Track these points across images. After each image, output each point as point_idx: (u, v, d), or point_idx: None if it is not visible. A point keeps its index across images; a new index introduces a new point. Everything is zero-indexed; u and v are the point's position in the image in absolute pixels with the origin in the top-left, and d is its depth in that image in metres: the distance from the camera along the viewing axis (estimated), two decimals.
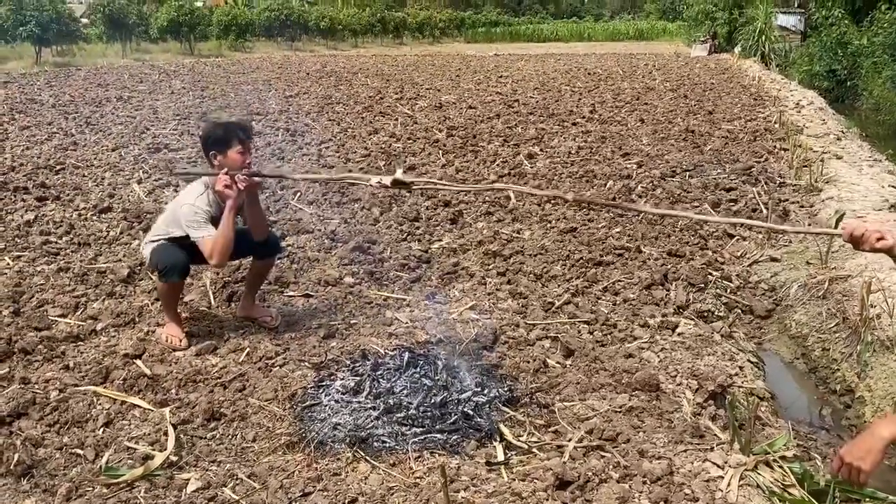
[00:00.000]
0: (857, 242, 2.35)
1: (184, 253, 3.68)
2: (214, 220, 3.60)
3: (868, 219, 2.31)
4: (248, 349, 3.68)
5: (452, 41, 51.21)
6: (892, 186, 6.69)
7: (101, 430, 3.04)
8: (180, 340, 3.78)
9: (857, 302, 4.00)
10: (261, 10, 35.94)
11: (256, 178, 3.65)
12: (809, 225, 5.87)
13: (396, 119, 11.40)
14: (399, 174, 3.53)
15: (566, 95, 14.32)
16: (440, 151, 8.83)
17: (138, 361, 3.59)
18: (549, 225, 5.90)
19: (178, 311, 3.94)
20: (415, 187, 3.86)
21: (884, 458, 2.12)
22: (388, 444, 2.86)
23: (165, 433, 2.96)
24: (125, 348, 3.73)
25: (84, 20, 33.42)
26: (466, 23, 56.73)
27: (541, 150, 8.85)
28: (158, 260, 3.67)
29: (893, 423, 2.10)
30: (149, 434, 2.99)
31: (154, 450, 2.85)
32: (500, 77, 18.73)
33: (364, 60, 26.95)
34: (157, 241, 3.76)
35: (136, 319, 4.15)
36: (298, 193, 6.77)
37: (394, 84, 16.96)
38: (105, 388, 3.37)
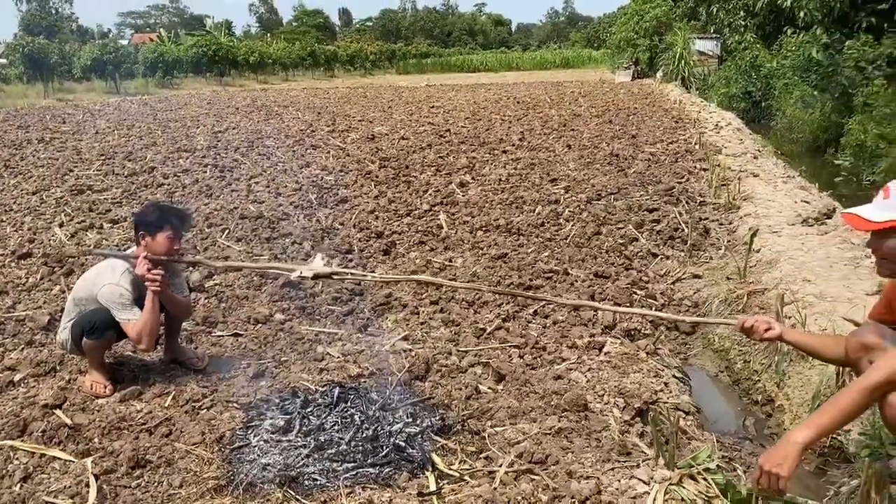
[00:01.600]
0: (748, 333, 2.74)
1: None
2: (136, 302, 3.54)
3: (757, 317, 2.68)
4: (174, 392, 3.59)
5: (384, 73, 51.67)
6: (805, 201, 7.01)
7: (18, 485, 2.91)
8: (105, 387, 3.67)
9: (773, 314, 4.16)
10: (188, 46, 35.57)
11: (161, 276, 3.54)
12: (728, 242, 6.09)
13: (328, 151, 11.40)
14: (318, 264, 3.63)
15: (496, 124, 14.58)
16: (373, 183, 8.86)
17: (58, 411, 3.46)
18: (480, 252, 5.97)
19: (104, 359, 3.83)
20: (336, 277, 3.97)
21: (800, 464, 2.20)
22: (319, 482, 2.83)
23: (87, 485, 2.86)
24: (45, 398, 3.60)
25: (2, 60, 32.48)
26: (397, 54, 57.41)
27: (472, 178, 8.97)
28: (86, 321, 3.55)
29: (806, 428, 2.19)
30: (69, 486, 2.88)
31: (74, 503, 2.75)
32: (432, 107, 18.95)
33: (295, 94, 26.90)
34: (73, 320, 3.66)
35: (57, 368, 4.00)
36: (227, 231, 6.69)
37: (325, 117, 16.97)
38: (22, 441, 3.24)
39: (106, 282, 3.52)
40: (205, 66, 36.04)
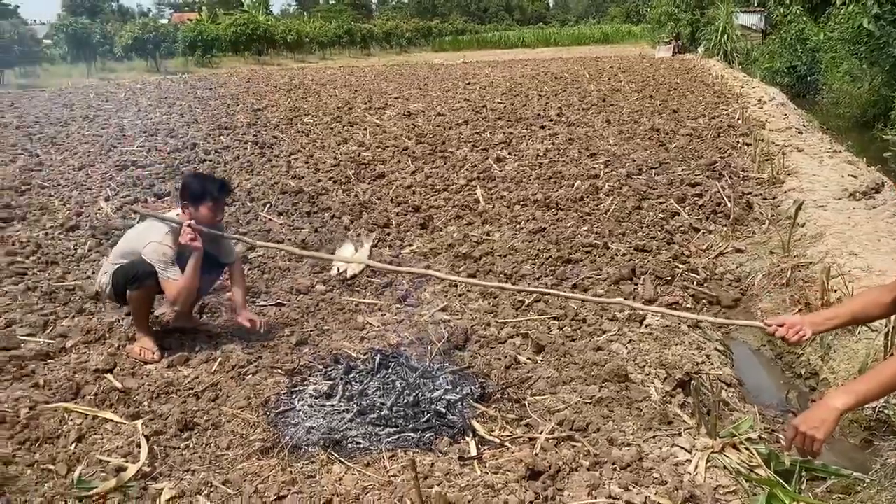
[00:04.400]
0: (782, 337, 2.55)
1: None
2: (175, 263, 3.65)
3: (786, 318, 2.53)
4: (220, 359, 3.67)
5: (420, 50, 51.39)
6: (852, 176, 6.85)
7: (73, 445, 3.02)
8: (153, 353, 3.77)
9: (819, 287, 4.10)
10: (226, 25, 35.81)
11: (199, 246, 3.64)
12: (772, 216, 5.99)
13: (365, 128, 11.42)
14: (363, 255, 3.71)
15: (534, 100, 14.45)
16: (409, 159, 8.87)
17: (109, 376, 3.57)
18: (518, 226, 5.96)
19: (150, 324, 3.93)
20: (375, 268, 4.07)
21: (836, 429, 2.16)
22: (361, 445, 2.88)
23: (138, 445, 2.95)
24: (96, 364, 3.71)
25: (47, 41, 33.08)
26: (433, 32, 57.03)
27: (509, 153, 8.93)
28: (129, 270, 3.66)
29: (846, 394, 2.14)
30: (121, 447, 2.98)
31: (127, 462, 2.84)
32: (468, 84, 18.84)
33: (332, 72, 26.96)
34: (118, 264, 3.75)
35: (107, 335, 4.12)
36: (268, 205, 6.77)
37: (362, 94, 16.99)
38: (76, 403, 3.35)
39: (151, 239, 3.63)
40: (243, 44, 36.27)
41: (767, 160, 7.67)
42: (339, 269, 3.91)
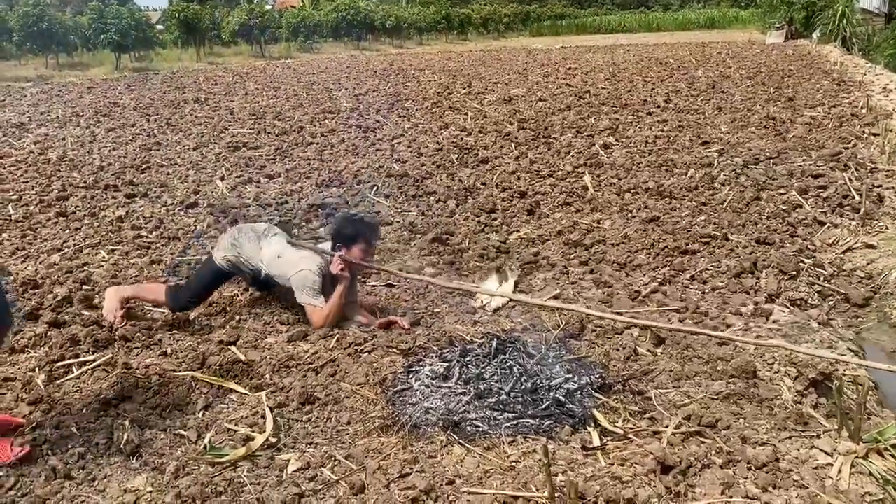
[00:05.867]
0: None
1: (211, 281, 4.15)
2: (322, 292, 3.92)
3: None
4: (337, 336, 3.73)
5: (517, 35, 50.92)
6: None
7: (201, 413, 3.13)
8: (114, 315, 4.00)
9: None
10: (328, 11, 36.51)
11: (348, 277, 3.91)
12: None
13: (466, 113, 11.40)
14: (508, 289, 3.78)
15: (638, 85, 14.06)
16: (512, 144, 8.79)
17: (233, 348, 3.69)
18: (629, 214, 5.80)
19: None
20: (515, 300, 4.10)
21: None
22: (480, 429, 2.87)
23: (263, 416, 3.03)
24: (219, 336, 3.84)
25: (159, 26, 34.66)
26: (531, 16, 56.31)
27: (616, 140, 8.71)
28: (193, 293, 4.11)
29: None
30: (247, 417, 3.07)
31: (253, 432, 2.93)
32: (569, 69, 18.52)
33: (430, 57, 27.06)
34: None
35: (228, 308, 4.27)
36: (375, 187, 6.85)
37: (461, 79, 16.97)
38: (202, 373, 3.48)
39: (306, 267, 3.88)
40: (343, 30, 36.87)
41: None
42: (482, 301, 4.05)
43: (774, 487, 2.35)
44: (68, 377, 3.47)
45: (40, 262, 5.03)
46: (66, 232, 5.71)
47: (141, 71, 23.38)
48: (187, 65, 25.87)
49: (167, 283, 4.39)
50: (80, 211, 6.28)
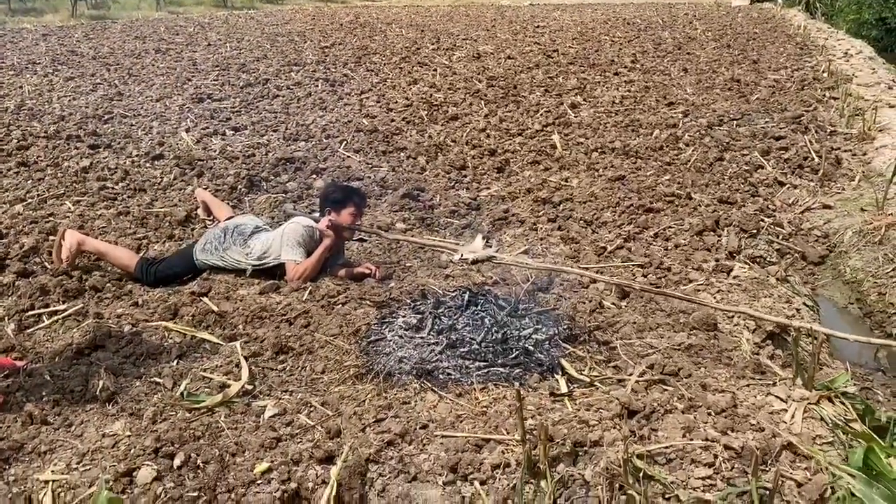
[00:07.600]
0: None
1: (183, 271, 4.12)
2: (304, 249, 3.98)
3: None
4: (310, 287, 3.77)
5: None
6: None
7: (176, 361, 3.16)
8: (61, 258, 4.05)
9: None
10: None
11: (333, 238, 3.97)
12: (863, 173, 5.78)
13: (435, 69, 11.31)
14: (478, 245, 3.81)
15: (606, 45, 14.06)
16: (482, 102, 8.78)
17: (205, 299, 3.71)
18: (596, 173, 5.88)
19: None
20: (496, 262, 4.12)
21: None
22: (453, 377, 2.95)
23: (237, 365, 3.07)
24: (190, 287, 3.85)
25: None
26: None
27: (584, 99, 8.76)
28: (170, 271, 4.08)
29: None
30: (221, 366, 3.11)
31: (229, 380, 2.97)
32: (538, 27, 18.40)
33: (397, 11, 26.60)
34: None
35: None
36: (345, 142, 6.82)
37: (429, 35, 16.77)
38: (175, 323, 3.50)
39: (295, 222, 4.00)
40: None
41: (856, 115, 7.37)
42: (461, 255, 4.12)
43: (732, 431, 2.48)
44: (39, 326, 3.46)
45: (3, 213, 4.94)
46: (30, 182, 5.59)
47: (99, 19, 22.58)
48: (147, 13, 25.01)
49: (143, 256, 4.27)
50: (42, 161, 6.14)
